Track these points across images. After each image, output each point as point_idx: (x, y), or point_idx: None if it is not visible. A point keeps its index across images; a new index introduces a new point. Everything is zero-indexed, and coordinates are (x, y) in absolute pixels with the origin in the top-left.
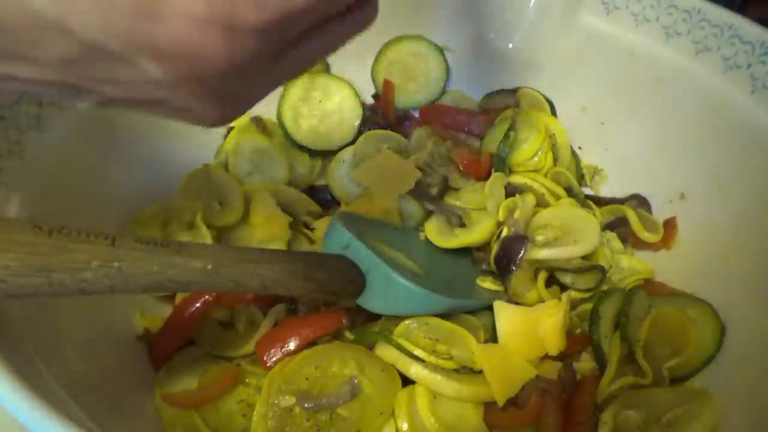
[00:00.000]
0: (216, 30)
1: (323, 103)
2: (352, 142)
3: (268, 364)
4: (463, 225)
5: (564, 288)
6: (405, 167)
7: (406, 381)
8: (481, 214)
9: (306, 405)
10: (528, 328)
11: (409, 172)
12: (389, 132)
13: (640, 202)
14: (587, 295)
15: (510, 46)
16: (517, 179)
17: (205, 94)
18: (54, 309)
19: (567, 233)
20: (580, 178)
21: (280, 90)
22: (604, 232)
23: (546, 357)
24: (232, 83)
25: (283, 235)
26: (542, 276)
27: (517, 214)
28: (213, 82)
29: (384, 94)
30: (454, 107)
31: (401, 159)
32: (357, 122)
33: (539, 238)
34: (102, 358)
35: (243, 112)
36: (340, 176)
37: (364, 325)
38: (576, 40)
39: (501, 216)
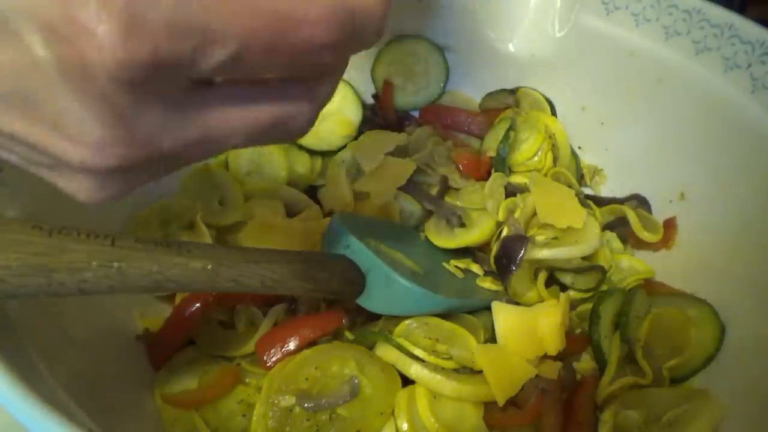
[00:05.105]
0: (116, 14)
1: None
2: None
3: (268, 364)
4: (463, 225)
5: (564, 288)
6: (400, 162)
7: (406, 381)
8: (481, 214)
9: (306, 405)
10: (526, 328)
11: (404, 167)
12: (389, 132)
13: (640, 202)
14: (587, 295)
15: (510, 46)
16: (517, 179)
17: (92, 97)
18: (54, 309)
19: (567, 233)
20: (580, 178)
21: None
22: (604, 232)
23: (546, 357)
24: (127, 97)
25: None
26: (542, 276)
27: (517, 214)
28: (103, 82)
29: (384, 94)
30: (454, 107)
31: (400, 160)
32: (357, 122)
33: (539, 238)
34: (102, 358)
35: (143, 161)
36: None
37: (364, 325)
38: (576, 40)
39: (501, 216)
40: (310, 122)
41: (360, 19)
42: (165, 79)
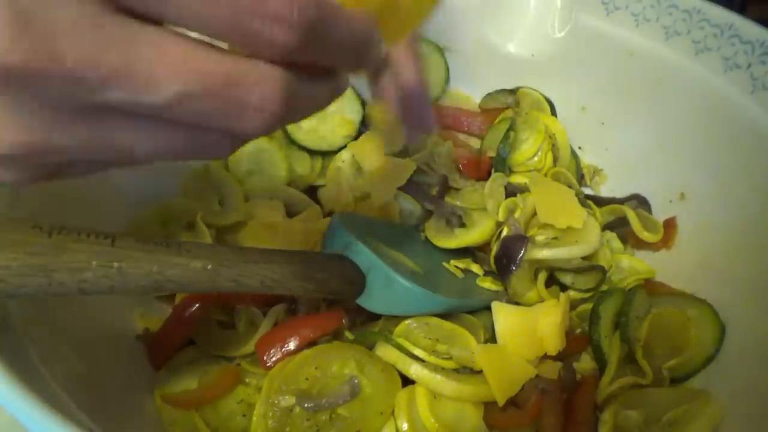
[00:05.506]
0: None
1: None
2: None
3: (268, 364)
4: (463, 225)
5: (564, 288)
6: (400, 162)
7: (406, 381)
8: (481, 214)
9: (306, 405)
10: (526, 328)
11: (404, 167)
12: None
13: (640, 202)
14: (587, 295)
15: (510, 46)
16: (517, 179)
17: None
18: (54, 309)
19: (567, 233)
20: (580, 178)
21: None
22: (604, 232)
23: (546, 357)
24: (7, 91)
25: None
26: (542, 276)
27: (517, 214)
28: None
29: None
30: (454, 107)
31: (400, 160)
32: (357, 122)
33: (539, 238)
34: (102, 358)
35: (36, 153)
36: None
37: (364, 325)
38: (576, 40)
39: (501, 216)
40: (272, 108)
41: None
42: (54, 92)
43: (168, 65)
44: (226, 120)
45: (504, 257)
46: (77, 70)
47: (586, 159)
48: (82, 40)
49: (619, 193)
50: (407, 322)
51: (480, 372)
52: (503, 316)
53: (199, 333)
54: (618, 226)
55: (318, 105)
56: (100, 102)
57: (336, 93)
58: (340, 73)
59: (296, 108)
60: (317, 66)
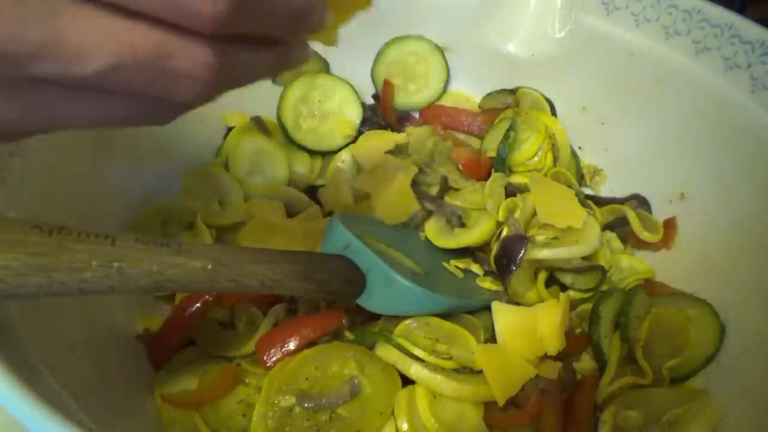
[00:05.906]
0: None
1: (323, 103)
2: (352, 143)
3: (268, 364)
4: (463, 225)
5: (564, 288)
6: (403, 165)
7: (406, 381)
8: (481, 214)
9: (306, 405)
10: (526, 328)
11: (406, 169)
12: (389, 132)
13: (640, 202)
14: (587, 295)
15: (510, 46)
16: (517, 179)
17: None
18: (54, 309)
19: (567, 233)
20: (580, 178)
21: (280, 89)
22: (604, 232)
23: (546, 357)
24: None
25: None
26: (542, 276)
27: (517, 214)
28: None
29: (384, 94)
30: (454, 107)
31: (399, 160)
32: (357, 122)
33: (539, 238)
34: (102, 358)
35: None
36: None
37: (364, 325)
38: (576, 40)
39: (501, 216)
40: (205, 77)
41: None
42: None
43: (95, 38)
44: (158, 89)
45: (504, 257)
46: (3, 47)
47: (586, 159)
48: (6, 19)
49: (619, 193)
50: (407, 322)
51: (480, 372)
52: (503, 316)
53: (199, 333)
54: (618, 226)
55: (262, 72)
56: (32, 75)
57: (285, 61)
58: (288, 41)
59: (234, 75)
60: (255, 34)
